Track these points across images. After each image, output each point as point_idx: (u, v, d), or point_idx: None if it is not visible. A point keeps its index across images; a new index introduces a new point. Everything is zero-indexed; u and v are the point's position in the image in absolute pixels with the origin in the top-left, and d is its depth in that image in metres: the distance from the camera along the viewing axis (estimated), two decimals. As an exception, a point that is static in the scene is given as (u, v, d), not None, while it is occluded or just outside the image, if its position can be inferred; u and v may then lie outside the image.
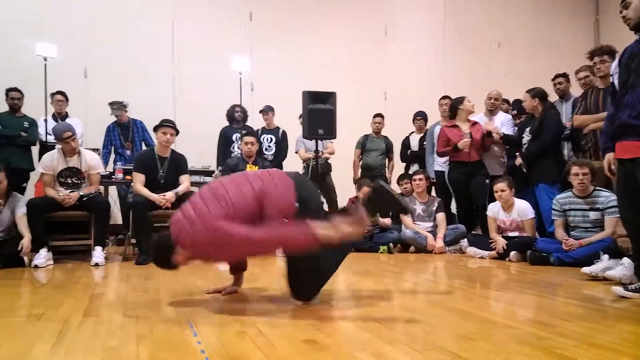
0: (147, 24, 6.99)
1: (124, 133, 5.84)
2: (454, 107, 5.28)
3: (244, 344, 1.79)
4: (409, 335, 1.92)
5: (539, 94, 4.84)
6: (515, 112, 5.62)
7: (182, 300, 2.60)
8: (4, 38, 6.27)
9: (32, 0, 6.48)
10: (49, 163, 4.31)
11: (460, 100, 5.22)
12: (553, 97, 5.27)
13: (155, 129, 4.56)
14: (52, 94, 5.53)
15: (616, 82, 2.65)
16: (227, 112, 6.18)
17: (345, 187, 6.31)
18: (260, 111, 6.22)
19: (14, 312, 2.34)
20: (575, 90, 5.15)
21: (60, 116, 5.57)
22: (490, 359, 1.60)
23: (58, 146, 4.38)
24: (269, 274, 3.57)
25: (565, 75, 5.19)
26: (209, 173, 5.55)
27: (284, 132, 6.20)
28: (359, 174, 6.29)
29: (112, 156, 5.85)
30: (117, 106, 5.69)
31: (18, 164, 5.24)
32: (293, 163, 6.22)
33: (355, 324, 2.11)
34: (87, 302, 2.53)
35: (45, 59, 5.61)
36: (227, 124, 6.19)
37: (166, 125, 4.50)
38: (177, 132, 4.60)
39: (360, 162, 6.36)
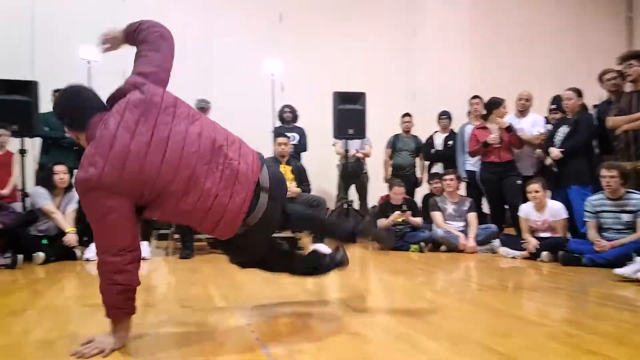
0: (179, 27, 7.15)
1: None
2: (490, 107, 5.37)
3: (294, 334, 1.95)
4: (443, 329, 2.05)
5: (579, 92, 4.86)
6: (554, 106, 5.58)
7: (229, 291, 2.78)
8: (50, 40, 6.57)
9: (76, 3, 6.80)
10: None
11: (499, 103, 5.31)
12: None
13: None
14: None
15: None
16: (278, 113, 6.36)
17: (375, 186, 6.44)
18: None
19: (63, 300, 2.56)
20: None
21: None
22: (523, 353, 1.72)
23: None
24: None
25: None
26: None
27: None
28: (390, 173, 6.40)
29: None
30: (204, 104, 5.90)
31: (73, 165, 5.50)
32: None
33: (393, 318, 2.25)
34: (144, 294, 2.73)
35: (88, 62, 5.87)
36: (264, 123, 6.39)
37: None
38: None
39: (391, 162, 6.47)
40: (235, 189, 1.83)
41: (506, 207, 5.40)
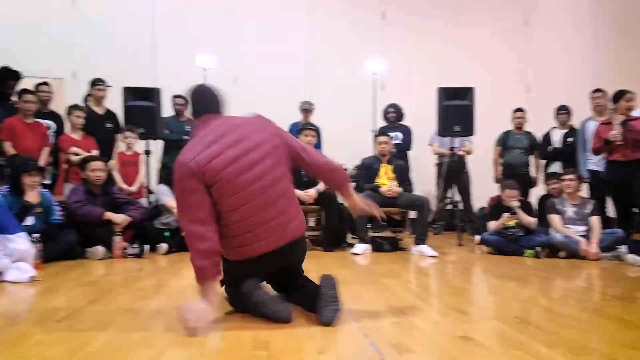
0: (285, 29, 7.41)
1: None
2: (616, 100, 4.93)
3: (402, 334, 1.93)
4: (561, 338, 1.89)
5: None
6: None
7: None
8: (168, 48, 7.10)
9: (190, 16, 7.30)
10: None
11: (624, 95, 4.85)
12: None
13: (298, 131, 4.97)
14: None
15: None
16: (382, 112, 6.40)
17: (482, 185, 6.17)
18: None
19: (184, 287, 2.74)
20: None
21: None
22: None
23: None
24: (408, 270, 3.67)
25: None
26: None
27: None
28: (500, 173, 6.08)
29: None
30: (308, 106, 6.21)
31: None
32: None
33: (504, 323, 2.13)
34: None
35: (204, 69, 6.31)
36: (365, 122, 6.46)
37: (307, 128, 4.95)
38: (318, 134, 4.97)
39: (501, 160, 6.14)
40: (272, 238, 2.07)
41: (635, 210, 4.91)
